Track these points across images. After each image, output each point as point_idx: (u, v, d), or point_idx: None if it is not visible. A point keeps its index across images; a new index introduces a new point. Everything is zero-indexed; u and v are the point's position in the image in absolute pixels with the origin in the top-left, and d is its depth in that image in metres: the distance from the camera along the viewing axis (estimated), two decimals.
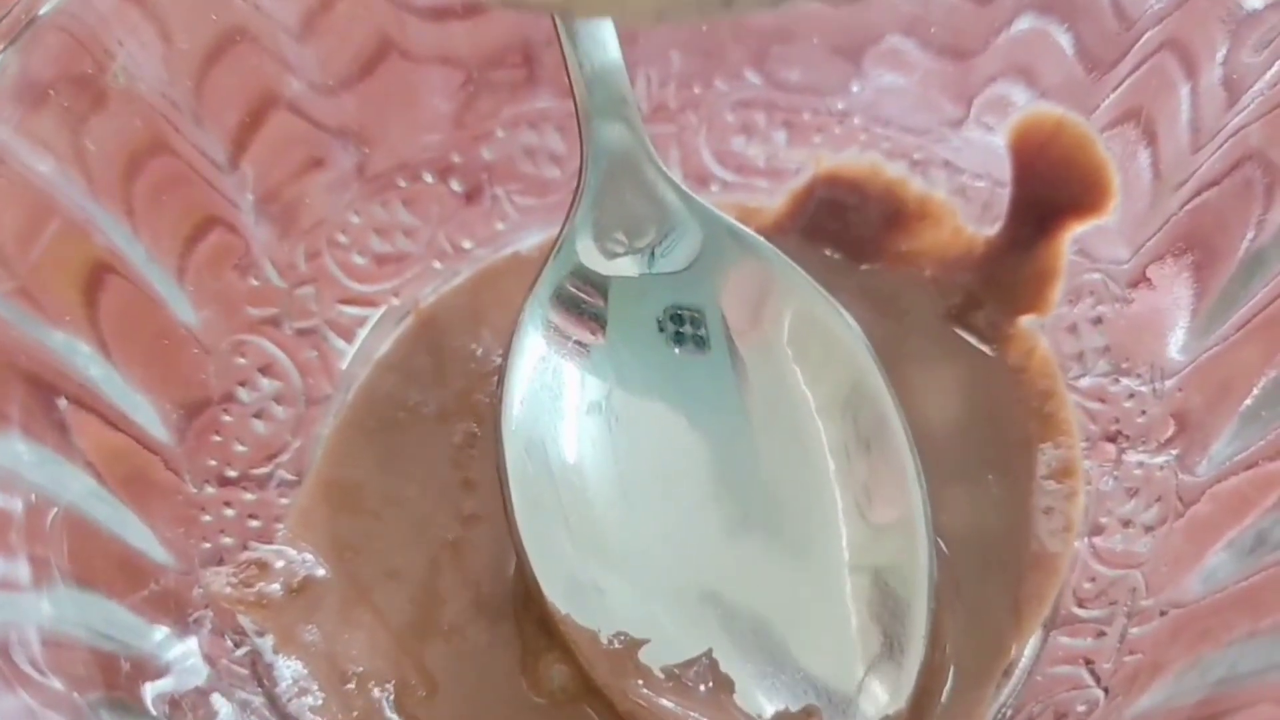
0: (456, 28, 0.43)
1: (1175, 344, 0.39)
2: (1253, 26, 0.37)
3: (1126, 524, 0.39)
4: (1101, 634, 0.37)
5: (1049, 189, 0.43)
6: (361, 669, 0.37)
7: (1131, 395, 0.40)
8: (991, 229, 0.44)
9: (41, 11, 0.35)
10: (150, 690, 0.32)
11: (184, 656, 0.35)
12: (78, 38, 0.36)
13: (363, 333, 0.44)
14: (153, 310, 0.38)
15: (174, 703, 0.33)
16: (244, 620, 0.38)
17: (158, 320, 0.38)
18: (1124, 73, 0.40)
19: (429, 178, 0.45)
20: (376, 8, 0.41)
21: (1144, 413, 0.40)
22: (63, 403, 0.34)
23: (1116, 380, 0.41)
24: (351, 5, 0.41)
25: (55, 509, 0.33)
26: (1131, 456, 0.39)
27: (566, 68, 0.39)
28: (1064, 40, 0.42)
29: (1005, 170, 0.44)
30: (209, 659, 0.35)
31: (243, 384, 0.41)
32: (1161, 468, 0.38)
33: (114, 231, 0.37)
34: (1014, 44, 0.43)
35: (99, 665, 0.32)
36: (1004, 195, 0.44)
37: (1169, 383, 0.39)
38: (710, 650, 0.36)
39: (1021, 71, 0.43)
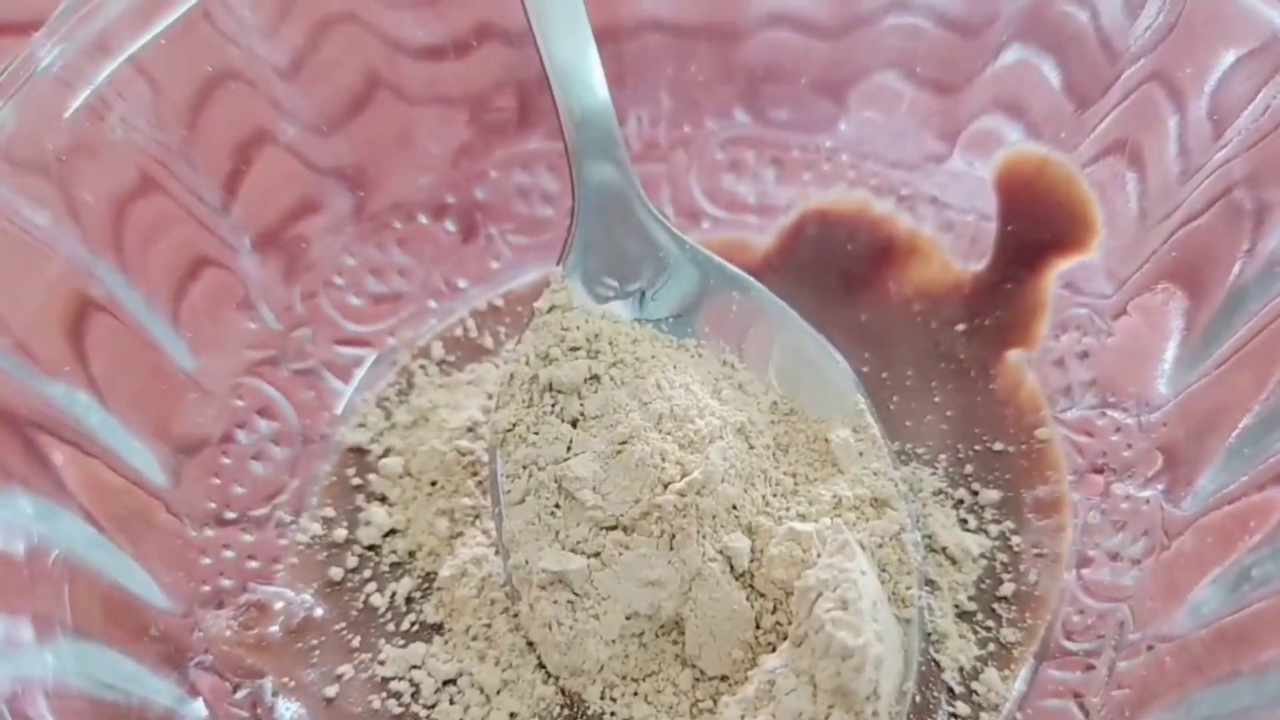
0: (448, 68, 0.44)
1: (1161, 378, 0.40)
2: (1239, 60, 0.38)
3: (1114, 557, 0.39)
4: (1090, 667, 0.37)
5: (1034, 226, 0.43)
6: (359, 709, 0.38)
7: (1118, 429, 0.41)
8: (978, 264, 0.45)
9: (38, 67, 0.36)
10: None
11: (183, 701, 0.35)
12: (73, 91, 0.36)
13: (359, 373, 0.44)
14: (151, 356, 0.38)
15: None
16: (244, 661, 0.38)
17: (156, 365, 0.38)
18: (1110, 105, 0.41)
19: (423, 218, 0.45)
20: (367, 47, 0.42)
21: (1130, 446, 0.40)
22: (61, 455, 0.35)
23: (1103, 413, 0.41)
24: (341, 46, 0.42)
25: (55, 555, 0.33)
26: (1118, 489, 0.40)
27: (556, 109, 0.39)
28: (1051, 73, 0.42)
29: (991, 204, 0.45)
30: (209, 702, 0.36)
31: (241, 426, 0.41)
32: (1148, 501, 0.39)
33: (111, 280, 0.37)
34: (1000, 77, 0.43)
35: (103, 714, 0.32)
36: (990, 229, 0.45)
37: (1155, 416, 0.39)
38: None
39: (1008, 105, 0.44)
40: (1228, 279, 0.38)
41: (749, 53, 0.46)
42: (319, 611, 0.40)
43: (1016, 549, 0.40)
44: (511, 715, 0.37)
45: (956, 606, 0.39)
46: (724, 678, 0.37)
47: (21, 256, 0.35)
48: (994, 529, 0.41)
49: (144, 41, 0.37)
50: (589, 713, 0.37)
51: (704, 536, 0.36)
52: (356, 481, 0.42)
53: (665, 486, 0.36)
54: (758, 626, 0.36)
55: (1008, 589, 0.39)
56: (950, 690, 0.37)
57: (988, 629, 0.39)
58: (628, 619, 0.36)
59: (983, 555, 0.40)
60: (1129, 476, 0.40)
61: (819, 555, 0.35)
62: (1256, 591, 0.33)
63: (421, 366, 0.45)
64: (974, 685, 0.38)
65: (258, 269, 0.42)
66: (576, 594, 0.36)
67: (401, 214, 0.45)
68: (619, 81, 0.46)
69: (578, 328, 0.38)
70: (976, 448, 0.42)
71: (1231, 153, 0.38)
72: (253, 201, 0.41)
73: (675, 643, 0.37)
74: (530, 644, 0.38)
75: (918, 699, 0.37)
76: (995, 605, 0.39)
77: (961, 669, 0.38)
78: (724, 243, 0.46)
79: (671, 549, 0.36)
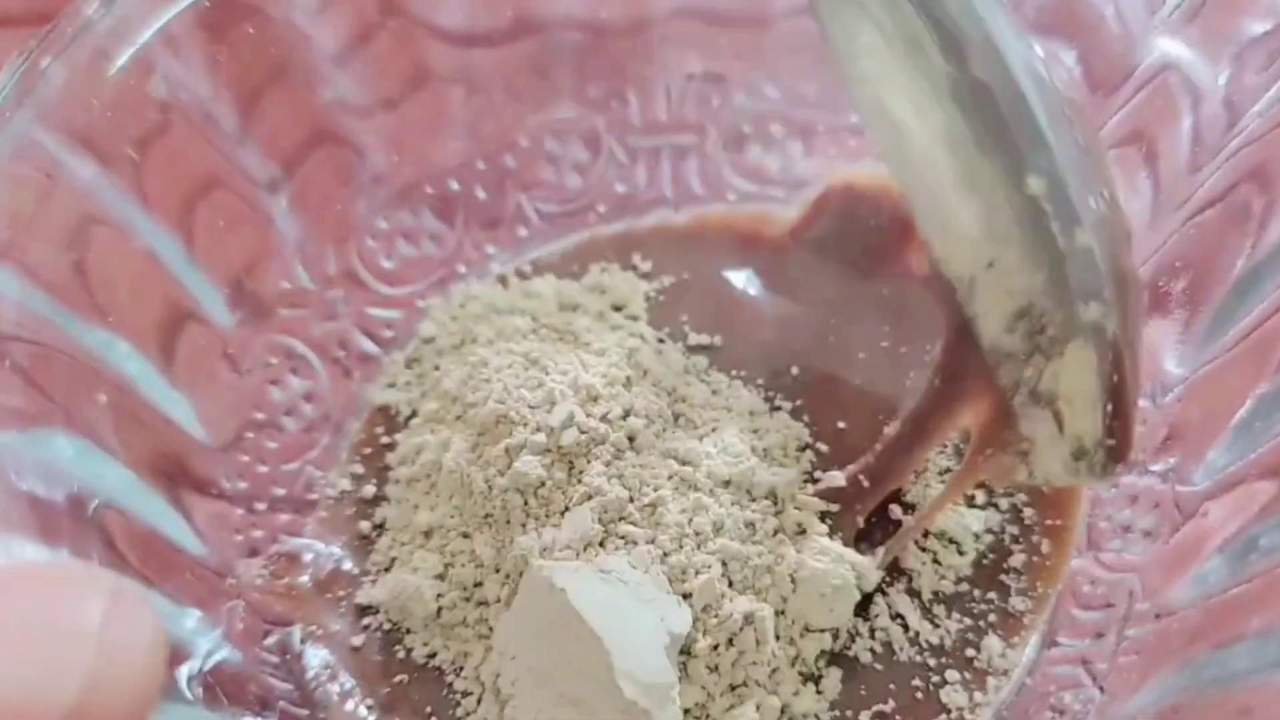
0: (480, 55, 0.45)
1: (1173, 358, 0.40)
2: (1256, 48, 0.38)
3: (1125, 530, 0.40)
4: (1099, 635, 0.38)
5: None
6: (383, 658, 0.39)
7: None
8: None
9: (86, 24, 0.37)
10: (184, 672, 0.34)
11: (216, 642, 0.36)
12: (120, 49, 0.37)
13: (390, 333, 0.45)
14: (189, 308, 0.39)
15: (207, 685, 0.34)
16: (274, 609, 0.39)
17: (194, 317, 0.40)
18: (1128, 94, 0.42)
19: (454, 184, 0.46)
20: (413, 38, 0.43)
21: (1143, 423, 0.41)
22: (102, 398, 0.36)
23: None
24: (390, 37, 0.43)
25: (95, 501, 0.34)
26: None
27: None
28: (1069, 60, 0.43)
29: None
30: (240, 645, 0.37)
31: (274, 383, 0.42)
32: (1159, 476, 0.40)
33: (153, 235, 0.38)
34: None
35: None
36: None
37: (1167, 395, 0.40)
38: None
39: None
40: (1239, 262, 0.38)
41: (778, 35, 0.47)
42: (347, 564, 0.41)
43: (1028, 521, 0.41)
44: None
45: (937, 593, 0.40)
46: None
47: (64, 208, 0.36)
48: (1005, 502, 0.41)
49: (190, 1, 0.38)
50: None
51: None
52: (385, 440, 0.43)
53: None
54: None
55: (1018, 560, 0.40)
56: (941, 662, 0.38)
57: (989, 601, 0.39)
58: None
59: (989, 530, 0.41)
60: (1141, 452, 0.40)
61: None
62: (1263, 560, 0.33)
63: (449, 331, 0.45)
64: (970, 654, 0.38)
65: (293, 229, 0.43)
66: None
67: (433, 180, 0.46)
68: (649, 57, 0.47)
69: None
70: None
71: (1246, 139, 0.39)
72: (290, 163, 0.42)
73: None
74: None
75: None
76: (1003, 576, 0.40)
77: (943, 644, 0.39)
78: (749, 215, 0.47)
79: None
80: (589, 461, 0.38)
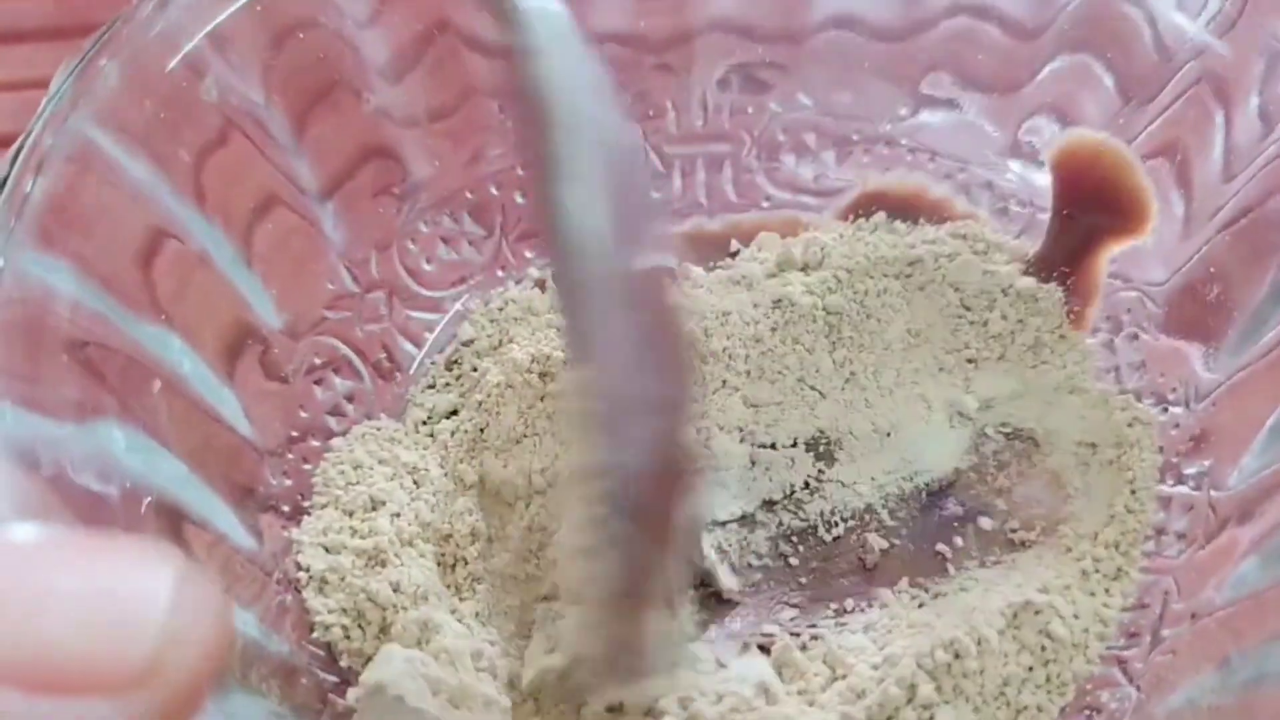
0: None
1: (1208, 361, 0.41)
2: None
3: (1159, 532, 0.40)
4: (1134, 636, 0.39)
5: (1089, 209, 0.45)
6: None
7: (1165, 409, 0.42)
8: (1032, 248, 0.46)
9: (142, 25, 0.37)
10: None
11: (265, 634, 0.36)
12: (174, 50, 0.38)
13: (429, 336, 0.46)
14: (241, 310, 0.40)
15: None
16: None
17: (241, 318, 0.40)
18: (1162, 106, 0.42)
19: (494, 190, 0.47)
20: (460, 51, 0.44)
21: (1177, 426, 0.41)
22: (156, 393, 0.36)
23: (1151, 393, 0.42)
24: (438, 50, 0.44)
25: (149, 495, 0.34)
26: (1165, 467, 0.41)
27: None
28: (1104, 74, 0.44)
29: (1046, 194, 0.46)
30: (289, 639, 0.37)
31: (318, 383, 0.43)
32: (1193, 480, 0.40)
33: (202, 233, 0.39)
34: (1056, 78, 0.45)
35: None
36: (1044, 219, 0.46)
37: (1201, 401, 0.41)
38: None
39: (1062, 105, 0.45)
40: (1272, 269, 0.39)
41: (813, 47, 0.47)
42: None
43: None
44: None
45: None
46: None
47: (118, 205, 0.36)
48: None
49: (243, 3, 0.39)
50: None
51: None
52: None
53: None
54: None
55: None
56: None
57: None
58: None
59: None
60: (1176, 455, 0.41)
61: None
62: None
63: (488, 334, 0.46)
64: None
65: (338, 233, 0.43)
66: None
67: (474, 185, 0.47)
68: (687, 68, 0.48)
69: None
70: None
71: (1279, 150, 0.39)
72: (338, 170, 0.43)
73: None
74: None
75: None
76: None
77: None
78: (781, 221, 0.48)
79: None
80: None
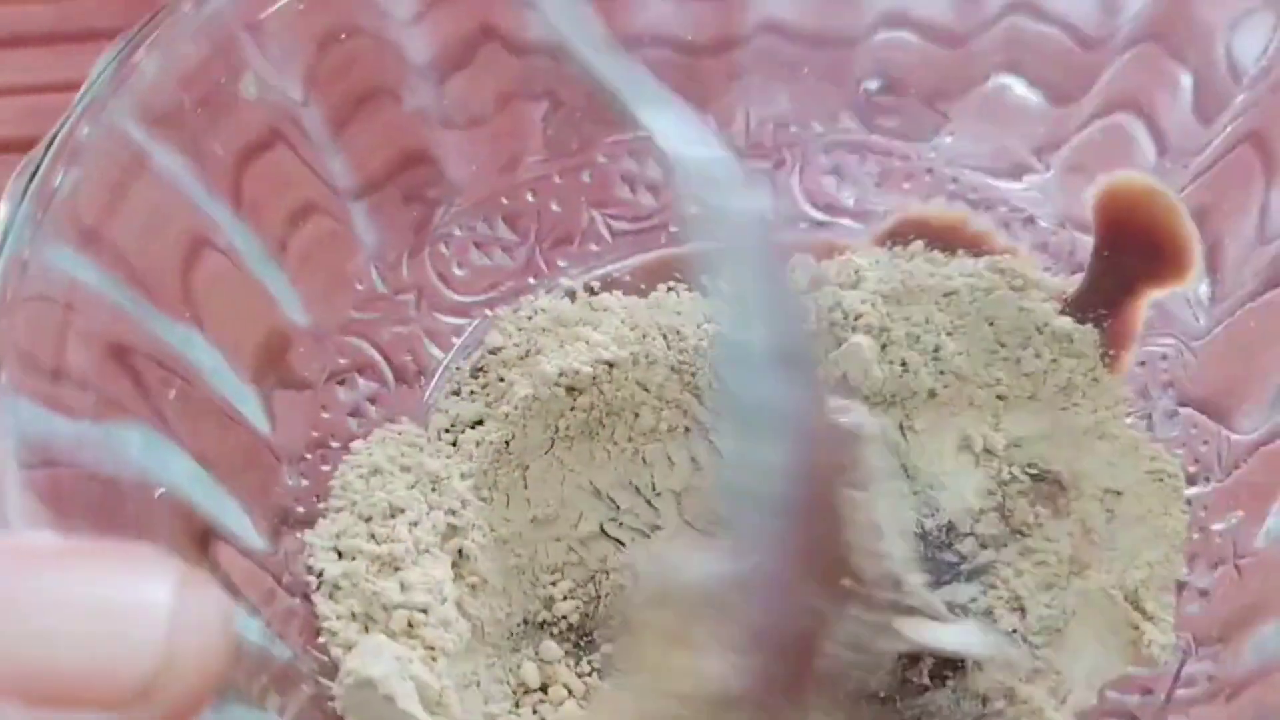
0: (565, 72, 0.45)
1: (1243, 413, 0.40)
2: None
3: (1181, 586, 0.40)
4: (1148, 692, 0.38)
5: (1131, 253, 0.44)
6: None
7: (1196, 461, 0.41)
8: (1071, 288, 0.45)
9: (181, 21, 0.37)
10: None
11: (270, 639, 0.36)
12: (212, 47, 0.38)
13: (456, 341, 0.46)
14: (267, 308, 0.40)
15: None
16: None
17: (270, 317, 0.40)
18: (1226, 122, 0.41)
19: (530, 197, 0.47)
20: (502, 56, 0.44)
21: (1206, 480, 0.41)
22: (175, 392, 0.36)
23: (1183, 445, 0.42)
24: (482, 56, 0.44)
25: (160, 493, 0.34)
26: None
27: None
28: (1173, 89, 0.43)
29: (1087, 226, 0.45)
30: (294, 644, 0.37)
31: (341, 383, 0.43)
32: (1221, 535, 0.39)
33: (235, 232, 0.39)
34: (1116, 88, 0.44)
35: None
36: (1084, 253, 0.45)
37: (1232, 455, 0.40)
38: None
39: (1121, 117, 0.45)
40: None
41: (863, 56, 0.47)
42: None
43: None
44: None
45: None
46: None
47: (151, 200, 0.36)
48: None
49: (285, 1, 0.38)
50: None
51: None
52: None
53: None
54: None
55: None
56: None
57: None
58: None
59: None
60: (1203, 510, 0.40)
61: None
62: None
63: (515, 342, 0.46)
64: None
65: (370, 233, 0.43)
66: None
67: (509, 191, 0.46)
68: (733, 79, 0.47)
69: None
70: None
71: None
72: (374, 171, 0.43)
73: None
74: None
75: None
76: None
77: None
78: (817, 243, 0.47)
79: None
80: None
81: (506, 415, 0.42)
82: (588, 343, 0.43)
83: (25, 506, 0.29)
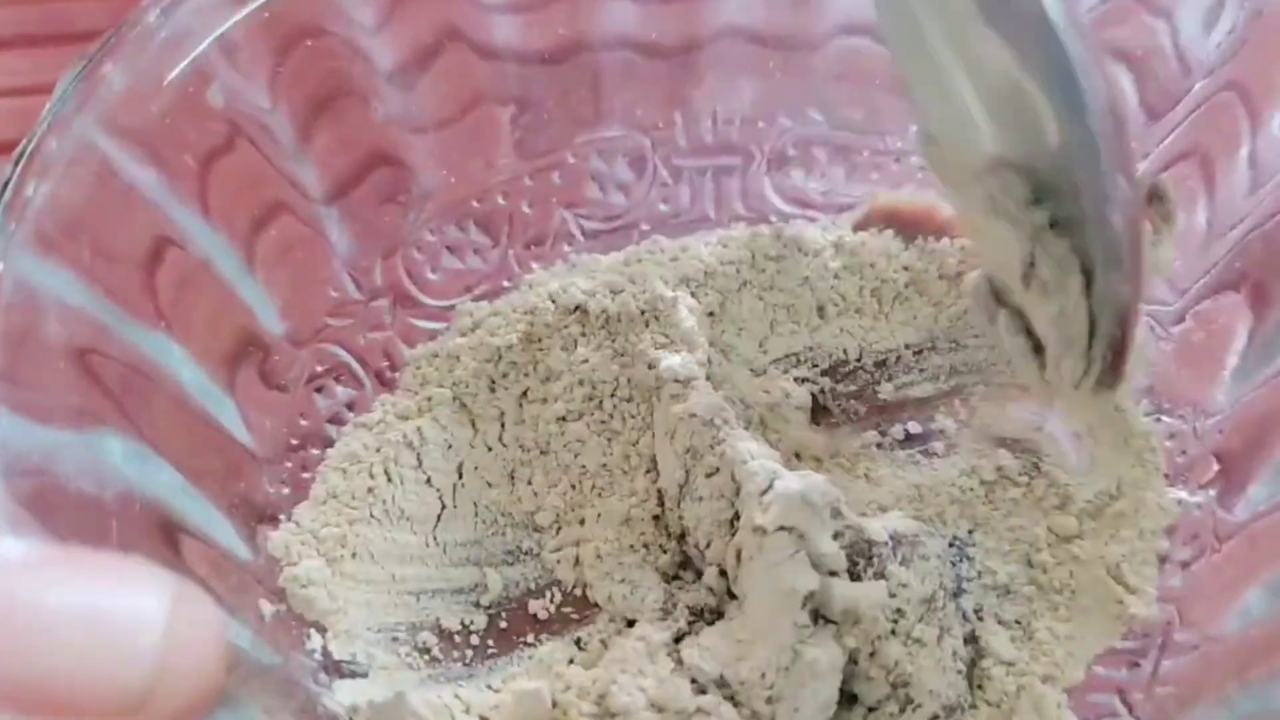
0: (533, 73, 0.45)
1: (1218, 386, 0.41)
2: None
3: (1162, 560, 0.40)
4: (1135, 665, 0.38)
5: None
6: None
7: (1173, 435, 0.41)
8: None
9: (147, 31, 0.37)
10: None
11: (258, 646, 0.36)
12: (179, 56, 0.38)
13: (433, 345, 0.45)
14: (244, 318, 0.40)
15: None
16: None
17: (248, 328, 0.40)
18: (1181, 116, 0.42)
19: (501, 199, 0.47)
20: (469, 59, 0.44)
21: (1184, 452, 0.41)
22: (155, 401, 0.36)
23: (1158, 419, 0.42)
24: (447, 58, 0.44)
25: (141, 502, 0.34)
26: (1171, 494, 0.41)
27: None
28: (1126, 84, 0.43)
29: None
30: (282, 650, 0.37)
31: (319, 390, 0.43)
32: (1199, 506, 0.40)
33: (206, 240, 0.39)
34: None
35: None
36: None
37: (1210, 423, 0.40)
38: None
39: None
40: None
41: (826, 56, 0.47)
42: None
43: None
44: None
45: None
46: None
47: (121, 210, 0.36)
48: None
49: (251, 9, 0.38)
50: None
51: None
52: None
53: None
54: None
55: None
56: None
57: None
58: None
59: None
60: (1182, 482, 0.41)
61: None
62: None
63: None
64: None
65: (343, 240, 0.43)
66: None
67: (480, 194, 0.46)
68: (698, 80, 0.47)
69: None
70: None
71: None
72: (344, 178, 0.43)
73: None
74: None
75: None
76: None
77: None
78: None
79: None
80: None
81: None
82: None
83: (10, 515, 0.29)
